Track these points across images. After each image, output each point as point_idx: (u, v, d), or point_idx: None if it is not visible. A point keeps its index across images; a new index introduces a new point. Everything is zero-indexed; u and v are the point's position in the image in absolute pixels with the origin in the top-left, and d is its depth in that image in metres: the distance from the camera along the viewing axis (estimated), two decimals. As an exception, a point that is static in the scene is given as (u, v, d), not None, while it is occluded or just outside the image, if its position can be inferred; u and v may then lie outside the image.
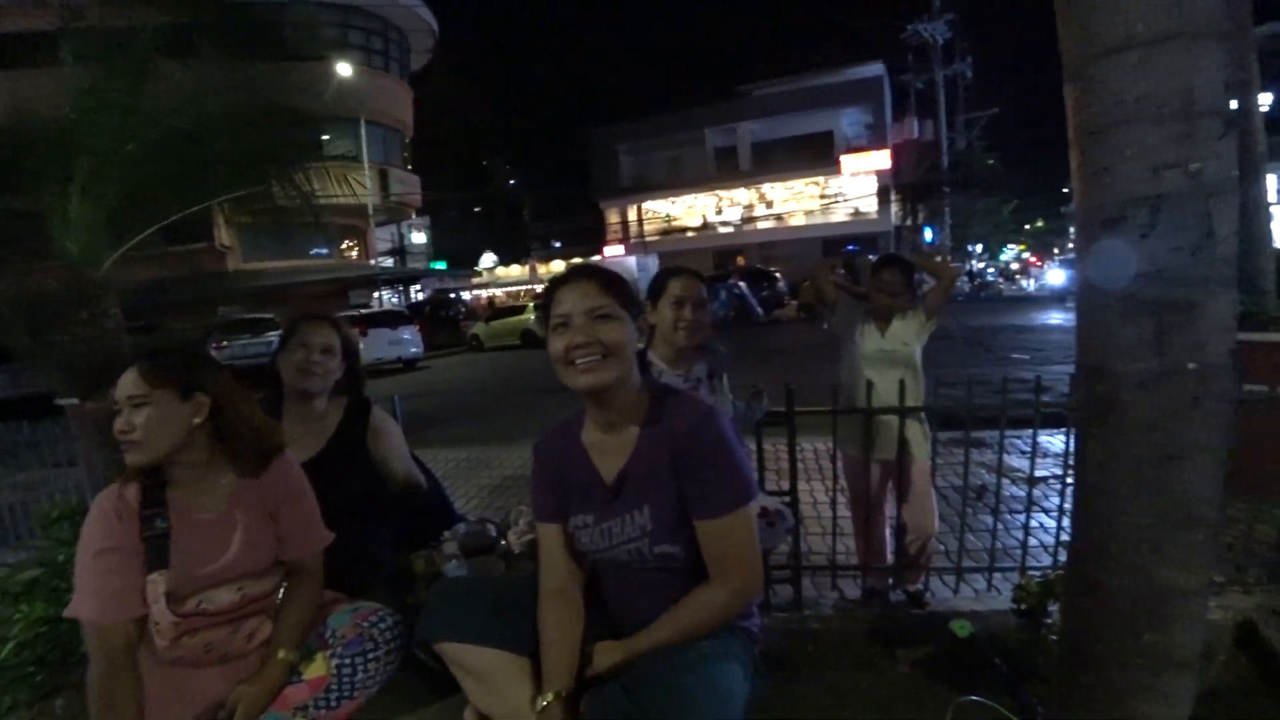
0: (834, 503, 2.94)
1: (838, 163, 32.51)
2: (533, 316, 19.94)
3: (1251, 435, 2.49)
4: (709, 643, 1.32)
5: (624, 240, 36.87)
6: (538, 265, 38.26)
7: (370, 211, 25.31)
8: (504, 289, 39.62)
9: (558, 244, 43.30)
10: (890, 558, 2.85)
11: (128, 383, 1.50)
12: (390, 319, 17.71)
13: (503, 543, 2.08)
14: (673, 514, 1.35)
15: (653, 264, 29.20)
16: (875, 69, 33.71)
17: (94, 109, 2.60)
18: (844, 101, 33.48)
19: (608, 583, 1.51)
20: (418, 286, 31.65)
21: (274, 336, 15.71)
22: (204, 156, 3.00)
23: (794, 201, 34.86)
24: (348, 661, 1.56)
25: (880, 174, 31.59)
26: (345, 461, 2.06)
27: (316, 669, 1.56)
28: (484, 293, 39.62)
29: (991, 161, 35.18)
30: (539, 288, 34.45)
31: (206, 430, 1.55)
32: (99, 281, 2.50)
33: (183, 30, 3.05)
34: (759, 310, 21.02)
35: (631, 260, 29.01)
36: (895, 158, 31.57)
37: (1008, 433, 2.65)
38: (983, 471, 4.31)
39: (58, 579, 2.57)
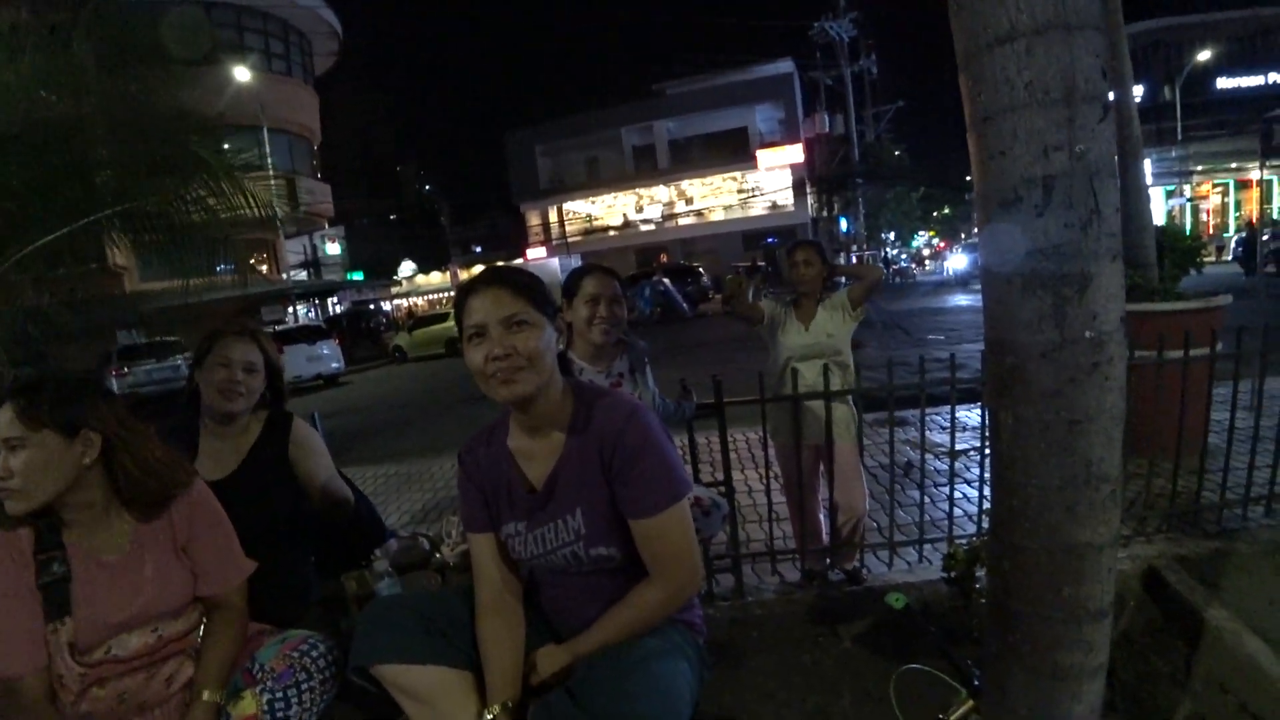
0: (768, 490, 3.00)
1: (754, 158, 33.26)
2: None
3: (1143, 397, 2.69)
4: (653, 640, 1.31)
5: (545, 242, 36.67)
6: (459, 271, 37.56)
7: (278, 223, 24.22)
8: (425, 297, 38.76)
9: (478, 248, 42.66)
10: (825, 539, 2.93)
11: (2, 423, 1.34)
12: (307, 334, 16.99)
13: (437, 556, 2.03)
14: (606, 515, 1.34)
15: (576, 264, 29.13)
16: (785, 66, 34.62)
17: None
18: (757, 98, 34.27)
19: (545, 589, 1.48)
20: (335, 299, 30.57)
21: (180, 360, 14.86)
22: (85, 167, 2.79)
23: (713, 197, 35.44)
24: (279, 696, 1.45)
25: (795, 167, 32.49)
26: (264, 477, 1.95)
27: (246, 708, 1.44)
28: (404, 302, 38.69)
29: (899, 152, 36.72)
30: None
31: (100, 469, 1.41)
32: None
33: (53, 29, 2.83)
34: (684, 306, 21.28)
35: (555, 262, 28.85)
36: (808, 151, 32.54)
37: (927, 410, 2.77)
38: (907, 449, 4.49)
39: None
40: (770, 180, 33.42)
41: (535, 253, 35.39)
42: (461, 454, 1.50)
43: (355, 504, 2.19)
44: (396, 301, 38.61)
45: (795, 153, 32.48)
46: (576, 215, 37.23)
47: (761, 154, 33.14)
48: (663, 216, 35.99)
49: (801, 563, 2.90)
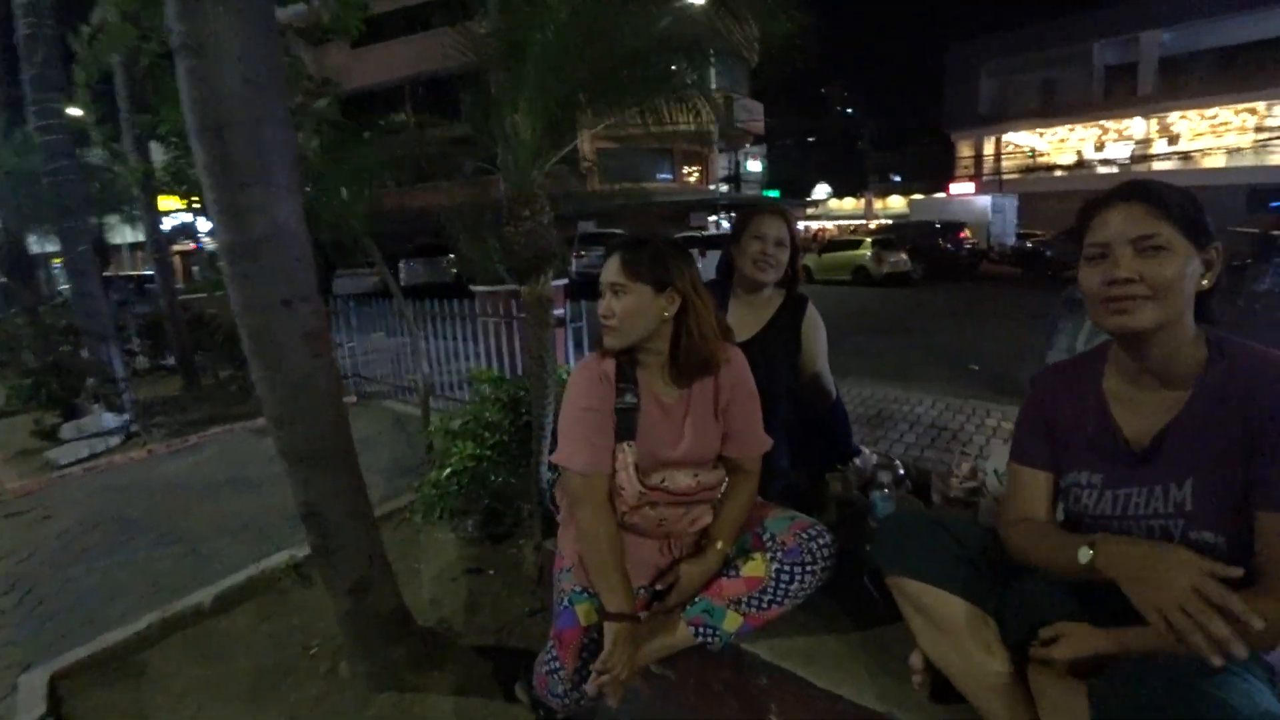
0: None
1: (1290, 84, 24.88)
2: (867, 253, 19.16)
3: None
4: (1258, 686, 0.98)
5: (975, 177, 33.06)
6: (874, 199, 36.42)
7: (714, 139, 26.06)
8: (836, 222, 38.57)
9: (898, 178, 40.52)
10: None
11: (612, 270, 1.58)
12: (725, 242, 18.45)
13: (907, 482, 2.06)
14: (1226, 496, 1.10)
15: (1009, 205, 25.70)
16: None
17: (525, 54, 3.00)
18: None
19: None
20: (751, 213, 32.25)
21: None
22: (587, 88, 3.31)
23: (1212, 137, 27.77)
24: (786, 568, 1.58)
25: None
26: (778, 343, 2.18)
27: (755, 568, 1.60)
28: (814, 224, 39.02)
29: None
30: (874, 223, 32.74)
31: (672, 326, 1.60)
32: (536, 185, 2.93)
33: None
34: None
35: (985, 200, 25.80)
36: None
37: None
38: None
39: (481, 429, 3.18)
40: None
41: (961, 187, 32.19)
42: (1035, 382, 1.38)
43: (834, 404, 2.33)
44: (808, 223, 39.10)
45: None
46: (1017, 148, 32.69)
47: (1307, 78, 24.60)
48: (1131, 158, 29.41)
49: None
